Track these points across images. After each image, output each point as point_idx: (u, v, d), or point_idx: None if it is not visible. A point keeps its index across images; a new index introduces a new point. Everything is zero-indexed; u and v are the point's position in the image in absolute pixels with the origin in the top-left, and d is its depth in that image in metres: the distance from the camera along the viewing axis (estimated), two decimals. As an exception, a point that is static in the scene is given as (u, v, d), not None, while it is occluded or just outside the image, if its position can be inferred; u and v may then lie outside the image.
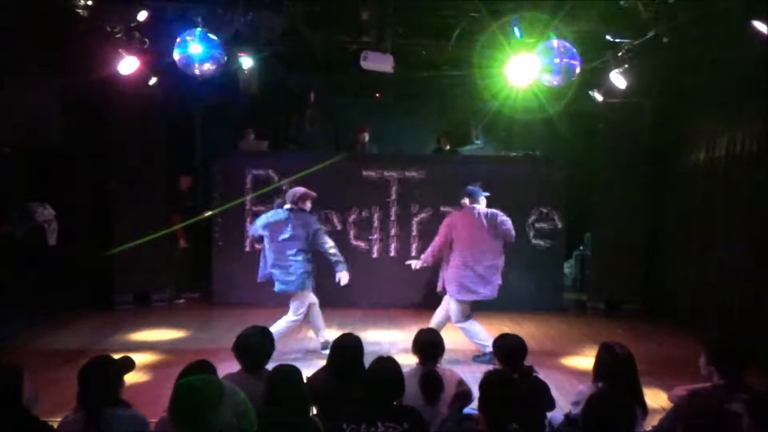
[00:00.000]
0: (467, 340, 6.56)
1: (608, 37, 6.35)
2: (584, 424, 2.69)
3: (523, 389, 3.27)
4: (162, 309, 7.78)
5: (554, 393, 3.83)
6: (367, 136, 9.47)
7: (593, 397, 2.79)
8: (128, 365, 3.17)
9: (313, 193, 5.89)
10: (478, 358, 5.87)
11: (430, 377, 3.54)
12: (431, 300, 7.94)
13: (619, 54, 6.76)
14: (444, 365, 3.85)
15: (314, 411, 3.38)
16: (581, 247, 9.52)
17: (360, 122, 9.58)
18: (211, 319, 7.34)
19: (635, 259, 8.00)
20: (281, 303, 7.85)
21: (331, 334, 5.90)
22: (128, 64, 6.60)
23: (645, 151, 8.01)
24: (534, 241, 8.09)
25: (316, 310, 5.95)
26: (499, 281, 5.88)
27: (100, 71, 6.80)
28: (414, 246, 8.12)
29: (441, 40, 7.26)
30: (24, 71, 6.54)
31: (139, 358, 5.38)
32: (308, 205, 5.83)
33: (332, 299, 8.02)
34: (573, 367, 5.79)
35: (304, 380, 3.18)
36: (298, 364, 3.18)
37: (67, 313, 7.20)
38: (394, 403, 3.10)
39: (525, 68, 6.56)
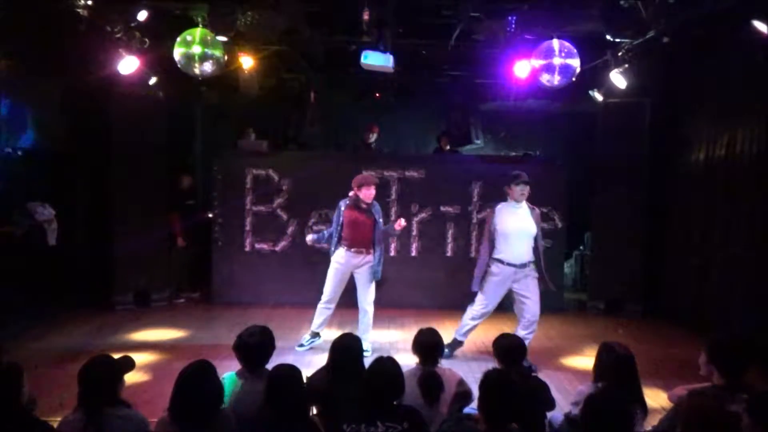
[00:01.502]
0: (467, 340, 6.57)
1: (608, 37, 6.34)
2: (583, 424, 2.70)
3: (523, 389, 3.28)
4: (162, 309, 7.77)
5: (554, 393, 3.83)
6: (374, 136, 9.44)
7: (591, 397, 2.79)
8: (128, 365, 3.17)
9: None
10: None
11: (430, 378, 3.54)
12: (431, 300, 7.98)
13: (619, 54, 6.75)
14: (444, 365, 3.85)
15: (314, 411, 3.38)
16: (581, 247, 9.52)
17: (369, 122, 9.56)
18: (211, 319, 7.34)
19: (635, 259, 7.99)
20: (281, 303, 7.91)
21: (331, 333, 5.90)
22: (128, 64, 6.59)
23: (645, 150, 8.01)
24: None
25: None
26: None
27: (100, 71, 6.79)
28: (414, 246, 8.12)
29: (441, 40, 7.25)
30: (24, 71, 6.54)
31: (139, 358, 5.38)
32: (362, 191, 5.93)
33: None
34: (573, 367, 5.79)
35: (304, 380, 3.19)
36: (298, 364, 3.18)
37: (67, 313, 7.19)
38: (394, 403, 3.10)
39: (525, 68, 6.57)
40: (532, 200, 8.00)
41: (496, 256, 5.68)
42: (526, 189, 5.69)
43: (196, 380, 2.88)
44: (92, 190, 7.96)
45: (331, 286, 6.05)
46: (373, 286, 6.05)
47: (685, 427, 2.63)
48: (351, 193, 5.98)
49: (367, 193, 5.88)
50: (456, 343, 6.00)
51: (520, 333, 5.42)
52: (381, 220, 6.04)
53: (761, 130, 6.14)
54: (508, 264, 5.62)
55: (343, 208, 5.97)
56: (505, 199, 5.80)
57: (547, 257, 6.07)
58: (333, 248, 6.07)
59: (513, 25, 6.05)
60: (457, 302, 7.97)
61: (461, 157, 9.56)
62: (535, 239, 5.70)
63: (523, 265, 5.64)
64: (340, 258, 5.99)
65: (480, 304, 5.84)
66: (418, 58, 8.18)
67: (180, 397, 2.84)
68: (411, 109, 10.53)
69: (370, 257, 5.98)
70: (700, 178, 7.28)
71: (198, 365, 2.98)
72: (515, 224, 5.66)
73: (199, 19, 6.00)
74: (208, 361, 3.04)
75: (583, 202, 8.38)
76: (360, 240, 5.93)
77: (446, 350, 5.34)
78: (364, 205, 5.91)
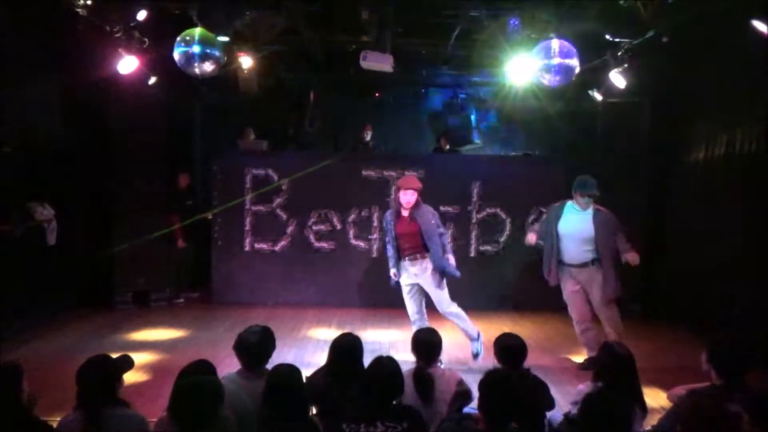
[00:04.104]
0: (467, 340, 6.57)
1: (608, 37, 6.35)
2: (581, 424, 2.70)
3: (523, 389, 3.27)
4: (162, 309, 7.77)
5: (554, 393, 3.83)
6: (369, 134, 9.47)
7: (589, 397, 2.79)
8: (127, 364, 3.17)
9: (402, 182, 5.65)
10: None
11: (420, 376, 3.55)
12: (431, 300, 7.96)
13: (619, 54, 6.76)
14: (444, 365, 3.85)
15: (314, 411, 3.38)
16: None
17: (363, 122, 9.61)
18: (211, 319, 7.34)
19: (635, 259, 7.98)
20: (281, 303, 7.92)
21: (331, 333, 5.91)
22: (128, 64, 6.60)
23: (645, 150, 8.01)
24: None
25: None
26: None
27: (100, 71, 6.79)
28: (414, 246, 8.11)
29: (441, 40, 7.26)
30: (24, 71, 6.54)
31: (139, 357, 5.38)
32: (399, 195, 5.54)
33: (332, 298, 8.06)
34: (573, 367, 5.78)
35: (304, 380, 3.19)
36: (298, 364, 3.18)
37: (67, 313, 7.20)
38: (394, 402, 3.10)
39: (524, 68, 6.58)
40: (533, 199, 8.04)
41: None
42: (591, 202, 5.62)
43: (195, 380, 2.88)
44: (92, 190, 7.95)
45: (408, 304, 5.66)
46: (445, 289, 5.55)
47: (684, 427, 2.63)
48: (393, 197, 5.71)
49: (403, 198, 5.45)
50: None
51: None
52: (430, 226, 5.45)
53: (761, 130, 6.14)
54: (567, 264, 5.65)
55: (390, 220, 5.55)
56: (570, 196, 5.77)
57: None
58: (394, 264, 5.56)
59: (515, 26, 6.06)
60: (456, 302, 8.00)
61: (461, 157, 9.56)
62: (596, 242, 5.57)
63: (583, 265, 5.62)
64: (403, 273, 5.57)
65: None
66: (418, 58, 8.19)
67: (179, 397, 2.84)
68: (411, 109, 10.54)
69: (427, 262, 5.48)
70: (700, 178, 7.28)
71: (198, 365, 2.98)
72: (571, 227, 5.62)
73: (199, 19, 6.00)
74: (207, 361, 3.04)
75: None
76: (411, 247, 5.49)
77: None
78: (404, 213, 5.49)
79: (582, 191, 5.61)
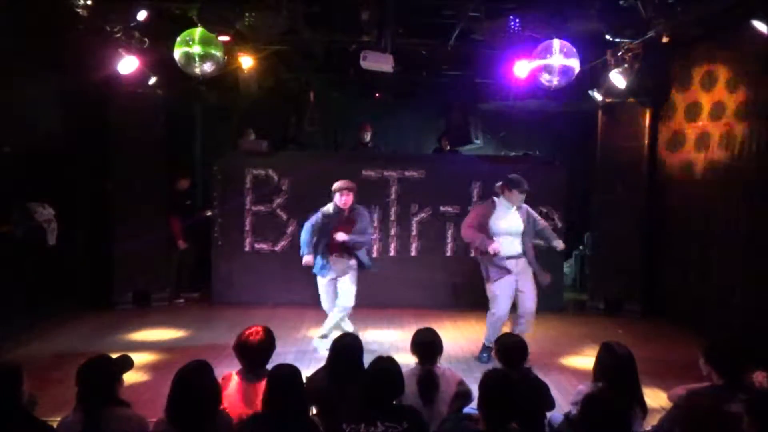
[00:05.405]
0: (467, 340, 6.59)
1: (608, 37, 6.35)
2: (580, 424, 2.70)
3: (523, 389, 3.28)
4: (162, 309, 7.77)
5: (554, 393, 3.83)
6: (368, 135, 9.47)
7: (589, 397, 2.80)
8: (127, 364, 3.17)
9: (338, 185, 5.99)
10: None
11: (425, 377, 3.54)
12: (431, 300, 7.98)
13: (619, 54, 6.76)
14: (444, 365, 3.85)
15: (314, 411, 3.38)
16: (581, 247, 9.52)
17: (362, 122, 9.62)
18: (211, 319, 7.34)
19: (635, 259, 7.99)
20: (281, 303, 7.91)
21: (331, 334, 5.90)
22: (128, 64, 6.60)
23: (645, 150, 8.01)
24: (533, 241, 8.07)
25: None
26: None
27: (100, 71, 6.79)
28: (414, 246, 8.12)
29: (441, 40, 7.26)
30: (24, 71, 6.53)
31: (139, 358, 5.38)
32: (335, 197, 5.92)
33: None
34: (573, 367, 5.79)
35: (304, 380, 3.19)
36: (298, 364, 3.18)
37: (67, 313, 7.19)
38: (394, 402, 3.10)
39: (525, 68, 6.57)
40: (533, 200, 8.02)
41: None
42: (523, 197, 5.76)
43: (192, 381, 2.88)
44: (92, 190, 7.95)
45: (327, 298, 6.10)
46: (354, 289, 6.01)
47: (684, 427, 2.63)
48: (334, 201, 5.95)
49: (340, 200, 5.88)
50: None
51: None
52: (360, 225, 5.95)
53: (761, 130, 6.14)
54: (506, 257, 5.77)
55: (325, 220, 5.90)
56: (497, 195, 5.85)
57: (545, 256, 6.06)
58: (310, 251, 5.91)
59: (515, 26, 6.05)
60: (456, 302, 8.01)
61: (461, 157, 9.56)
62: (523, 235, 5.82)
63: (518, 256, 5.83)
64: (327, 269, 5.99)
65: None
66: (418, 58, 8.18)
67: (176, 398, 2.84)
68: (411, 109, 10.54)
69: (352, 262, 5.98)
70: (700, 178, 7.28)
71: (194, 365, 2.97)
72: (507, 224, 5.77)
73: (195, 17, 5.99)
74: (204, 361, 3.03)
75: (583, 202, 8.37)
76: (339, 246, 5.90)
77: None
78: (345, 213, 5.93)
79: (519, 189, 5.70)
